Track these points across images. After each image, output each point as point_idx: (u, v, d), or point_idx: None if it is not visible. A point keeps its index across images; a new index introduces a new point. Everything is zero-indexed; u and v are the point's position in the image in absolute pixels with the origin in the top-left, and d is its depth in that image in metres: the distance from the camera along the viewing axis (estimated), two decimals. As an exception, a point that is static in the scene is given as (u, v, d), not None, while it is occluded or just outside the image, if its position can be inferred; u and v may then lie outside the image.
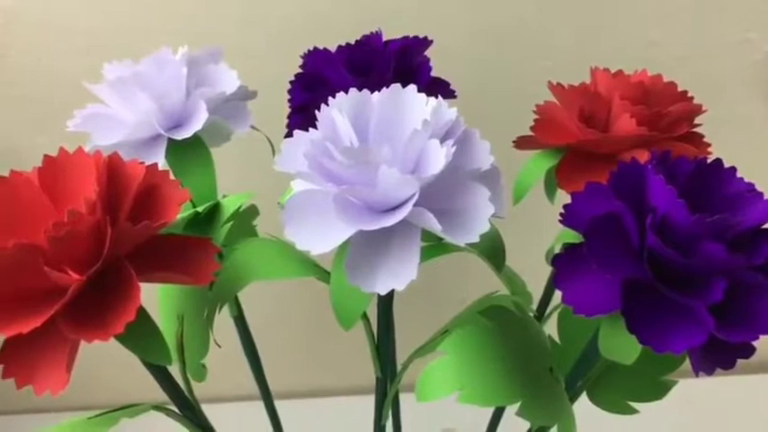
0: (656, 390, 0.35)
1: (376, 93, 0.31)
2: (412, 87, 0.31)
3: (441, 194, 0.29)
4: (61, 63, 0.64)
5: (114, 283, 0.26)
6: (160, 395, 0.33)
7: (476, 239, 0.28)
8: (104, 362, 0.60)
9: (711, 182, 0.29)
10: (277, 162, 0.30)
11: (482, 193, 0.29)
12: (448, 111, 0.30)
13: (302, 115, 0.41)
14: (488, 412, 0.45)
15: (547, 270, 0.43)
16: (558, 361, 0.36)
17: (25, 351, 0.25)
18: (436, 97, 0.41)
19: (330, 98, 0.31)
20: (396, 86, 0.31)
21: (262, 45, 0.63)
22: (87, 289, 0.26)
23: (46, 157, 0.28)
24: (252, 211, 0.40)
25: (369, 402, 0.39)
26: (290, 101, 0.42)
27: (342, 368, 0.76)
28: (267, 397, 0.47)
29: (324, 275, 0.31)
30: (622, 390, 0.36)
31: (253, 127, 0.40)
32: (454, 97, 0.43)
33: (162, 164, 0.36)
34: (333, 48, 0.43)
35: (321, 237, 0.28)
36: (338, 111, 0.30)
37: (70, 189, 0.28)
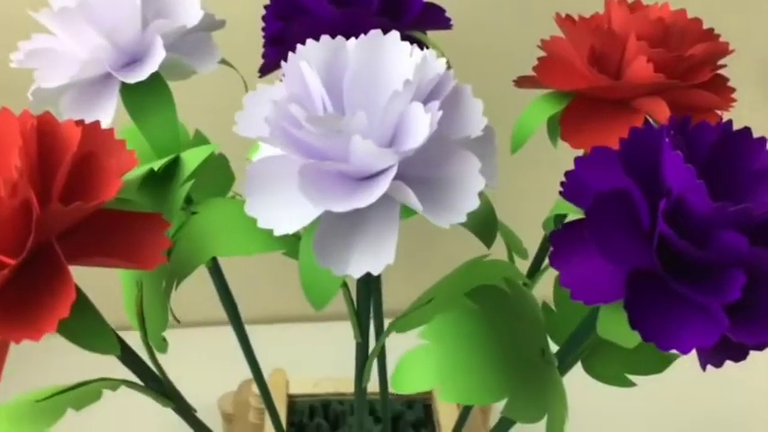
0: (658, 362, 0.33)
1: (352, 39, 0.27)
2: (394, 35, 0.26)
3: (424, 162, 0.25)
4: None
5: (44, 272, 0.23)
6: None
7: (463, 219, 0.24)
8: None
9: (737, 153, 0.25)
10: (238, 122, 0.26)
11: (472, 162, 0.25)
12: (435, 64, 0.26)
13: (277, 47, 0.37)
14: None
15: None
16: (552, 330, 0.34)
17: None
18: (425, 33, 0.37)
19: (299, 45, 0.26)
20: (375, 33, 0.26)
21: None
22: (12, 280, 0.23)
23: (-35, 119, 0.24)
24: (222, 165, 0.36)
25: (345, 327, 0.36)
26: (263, 29, 0.38)
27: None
28: (237, 322, 0.44)
29: (293, 249, 0.28)
30: (621, 362, 0.33)
31: (223, 61, 0.35)
32: (449, 27, 0.38)
33: (114, 107, 0.32)
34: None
35: (286, 214, 0.25)
36: (307, 63, 0.26)
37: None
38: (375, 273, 0.25)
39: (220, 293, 0.42)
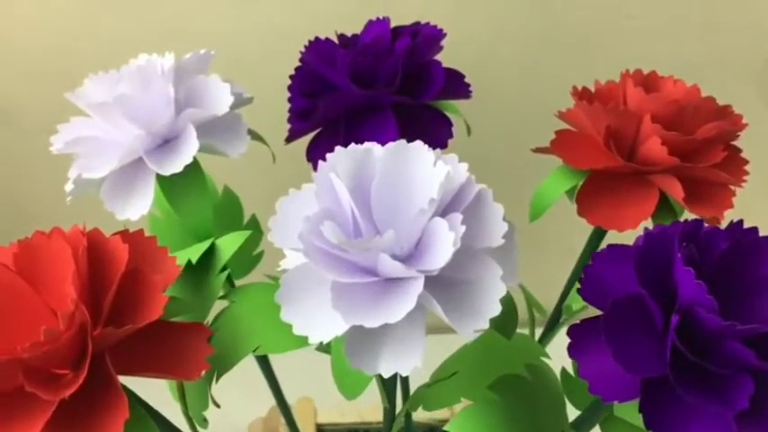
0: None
1: (379, 148, 0.28)
2: (418, 144, 0.28)
3: (448, 268, 0.27)
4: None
5: (98, 389, 0.25)
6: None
7: (486, 326, 0.26)
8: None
9: (747, 259, 0.27)
10: (272, 231, 0.28)
11: (494, 269, 0.26)
12: (458, 174, 0.27)
13: (303, 121, 0.38)
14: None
15: (561, 278, 0.41)
16: (571, 394, 0.35)
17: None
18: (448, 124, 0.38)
19: (328, 155, 0.28)
20: (400, 143, 0.28)
21: (260, 29, 0.58)
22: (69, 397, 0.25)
23: (20, 242, 0.26)
24: (255, 237, 0.38)
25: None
26: (290, 100, 0.39)
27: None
28: None
29: (326, 347, 0.29)
30: (637, 423, 0.35)
31: (252, 134, 0.37)
32: (468, 96, 0.39)
33: (152, 193, 0.34)
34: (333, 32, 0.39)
35: (319, 322, 0.26)
36: (336, 174, 0.27)
37: (49, 275, 0.26)
38: (404, 374, 0.26)
39: None
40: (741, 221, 0.27)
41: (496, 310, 0.26)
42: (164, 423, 0.30)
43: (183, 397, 0.33)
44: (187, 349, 0.26)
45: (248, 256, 0.40)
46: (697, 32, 0.59)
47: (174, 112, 0.34)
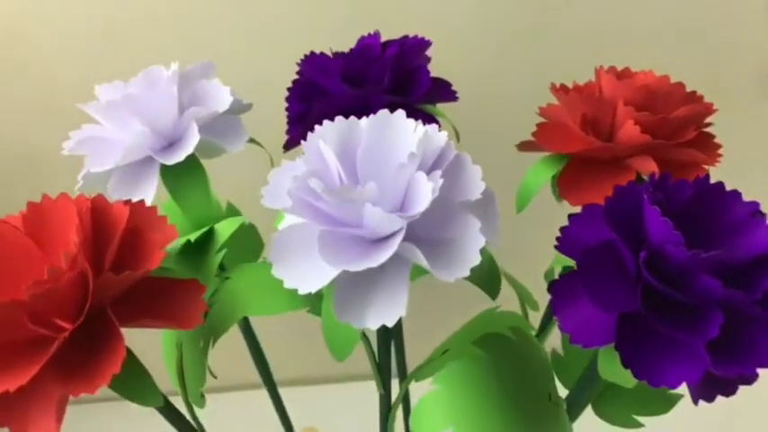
0: (662, 403, 0.35)
1: (364, 119, 0.30)
2: (400, 113, 0.30)
3: (430, 224, 0.28)
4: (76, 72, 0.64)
5: (99, 333, 0.26)
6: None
7: (466, 274, 0.27)
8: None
9: (712, 206, 0.28)
10: (264, 195, 0.29)
11: (472, 224, 0.28)
12: (437, 138, 0.29)
13: (300, 125, 0.40)
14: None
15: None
16: (561, 373, 0.36)
17: (15, 404, 0.26)
18: (434, 105, 0.40)
19: (317, 126, 0.30)
20: (384, 112, 0.30)
21: (260, 48, 0.62)
22: (71, 340, 0.26)
23: (30, 203, 0.28)
24: (251, 232, 0.40)
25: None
26: (287, 109, 0.41)
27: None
28: (271, 385, 0.48)
29: (316, 308, 0.31)
30: (628, 403, 0.35)
31: (251, 140, 0.39)
32: (455, 100, 0.41)
33: (155, 187, 0.36)
34: (328, 49, 0.42)
35: (308, 275, 0.28)
36: (324, 141, 0.29)
37: (55, 235, 0.28)
38: (389, 324, 0.27)
39: (254, 358, 0.45)
40: (707, 176, 0.29)
41: (476, 259, 0.27)
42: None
43: (182, 381, 0.34)
44: (184, 302, 0.28)
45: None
46: (697, 31, 0.62)
47: (177, 111, 0.36)
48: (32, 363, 0.25)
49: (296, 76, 0.42)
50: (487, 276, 0.30)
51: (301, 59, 0.41)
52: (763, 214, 0.28)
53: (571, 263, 0.31)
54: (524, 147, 0.39)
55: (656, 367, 0.26)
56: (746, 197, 0.28)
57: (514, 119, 0.40)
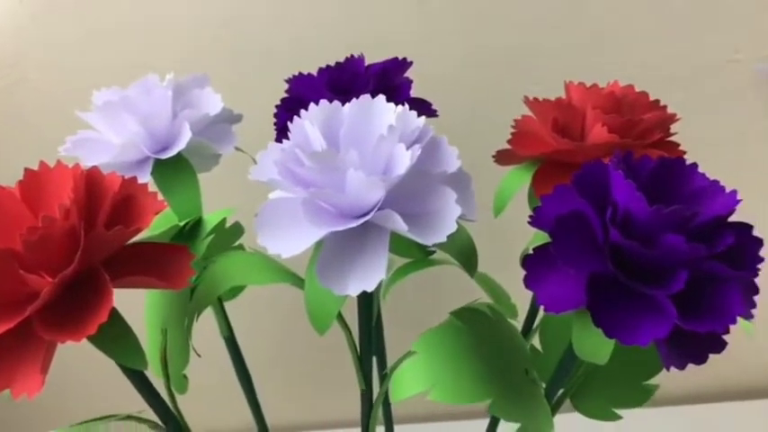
0: (638, 395, 0.35)
1: (347, 104, 0.32)
2: (381, 97, 0.32)
3: (409, 198, 0.30)
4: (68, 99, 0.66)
5: (89, 288, 0.27)
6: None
7: (443, 239, 0.29)
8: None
9: (674, 179, 0.30)
10: (252, 172, 0.31)
11: (449, 194, 0.29)
12: (415, 118, 0.31)
13: (286, 136, 0.42)
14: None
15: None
16: (540, 369, 0.37)
17: (2, 353, 0.26)
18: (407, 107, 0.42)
19: (302, 110, 0.32)
20: (365, 97, 0.32)
21: (250, 75, 0.65)
22: (63, 293, 0.27)
23: (27, 170, 0.29)
24: (236, 230, 0.41)
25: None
26: (275, 124, 0.43)
27: (339, 399, 0.76)
28: (263, 428, 0.48)
29: (299, 282, 0.32)
30: (605, 396, 0.36)
31: (237, 148, 0.41)
32: (435, 116, 0.44)
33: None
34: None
35: (291, 240, 0.29)
36: (309, 121, 0.31)
37: (49, 199, 0.29)
38: (369, 290, 0.28)
39: (250, 403, 0.46)
40: (667, 156, 0.31)
41: (452, 227, 0.29)
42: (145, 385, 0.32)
43: (165, 369, 0.35)
44: (174, 263, 0.29)
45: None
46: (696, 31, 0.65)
47: (171, 116, 0.38)
48: (22, 312, 0.26)
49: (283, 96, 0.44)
50: (465, 252, 0.31)
51: (290, 78, 0.43)
52: (721, 186, 0.29)
53: (545, 241, 0.32)
54: (502, 158, 0.41)
55: (626, 325, 0.27)
56: (746, 199, 0.30)
57: (500, 140, 0.42)
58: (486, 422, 0.45)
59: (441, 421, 0.75)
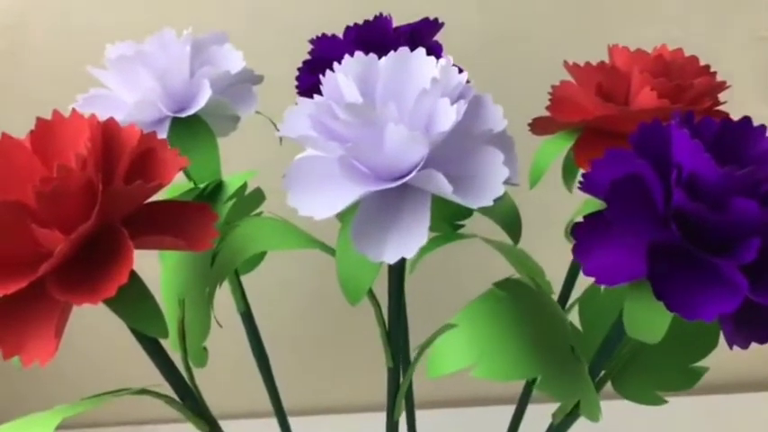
0: (686, 378, 0.33)
1: (383, 57, 0.30)
2: (420, 50, 0.29)
3: (452, 158, 0.28)
4: (72, 64, 0.64)
5: (107, 247, 0.25)
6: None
7: (489, 203, 0.26)
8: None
9: (739, 141, 0.27)
10: (280, 129, 0.29)
11: (495, 155, 0.27)
12: (457, 74, 0.29)
13: (310, 97, 0.40)
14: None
15: (566, 264, 0.41)
16: (580, 349, 0.35)
17: (12, 316, 0.24)
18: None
19: (335, 63, 0.29)
20: (404, 50, 0.29)
21: (270, 40, 0.63)
22: (79, 252, 0.25)
23: (39, 119, 0.27)
24: (258, 196, 0.38)
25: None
26: (297, 86, 0.41)
27: (358, 383, 0.74)
28: (280, 411, 0.46)
29: (328, 249, 0.29)
30: (649, 378, 0.34)
31: (258, 112, 0.39)
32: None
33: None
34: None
35: (325, 201, 0.27)
36: (344, 74, 0.28)
37: (63, 151, 0.26)
38: (408, 256, 0.26)
39: (267, 385, 0.44)
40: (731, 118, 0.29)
41: (499, 190, 0.27)
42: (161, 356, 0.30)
43: (183, 343, 0.32)
44: (196, 223, 0.26)
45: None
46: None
47: (189, 73, 0.36)
48: (34, 272, 0.24)
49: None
50: (509, 217, 0.29)
51: (313, 39, 0.41)
52: (790, 151, 0.27)
53: (595, 209, 0.30)
54: (538, 126, 0.39)
55: (690, 298, 0.25)
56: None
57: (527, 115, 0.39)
58: (503, 408, 0.43)
59: (461, 407, 0.73)
